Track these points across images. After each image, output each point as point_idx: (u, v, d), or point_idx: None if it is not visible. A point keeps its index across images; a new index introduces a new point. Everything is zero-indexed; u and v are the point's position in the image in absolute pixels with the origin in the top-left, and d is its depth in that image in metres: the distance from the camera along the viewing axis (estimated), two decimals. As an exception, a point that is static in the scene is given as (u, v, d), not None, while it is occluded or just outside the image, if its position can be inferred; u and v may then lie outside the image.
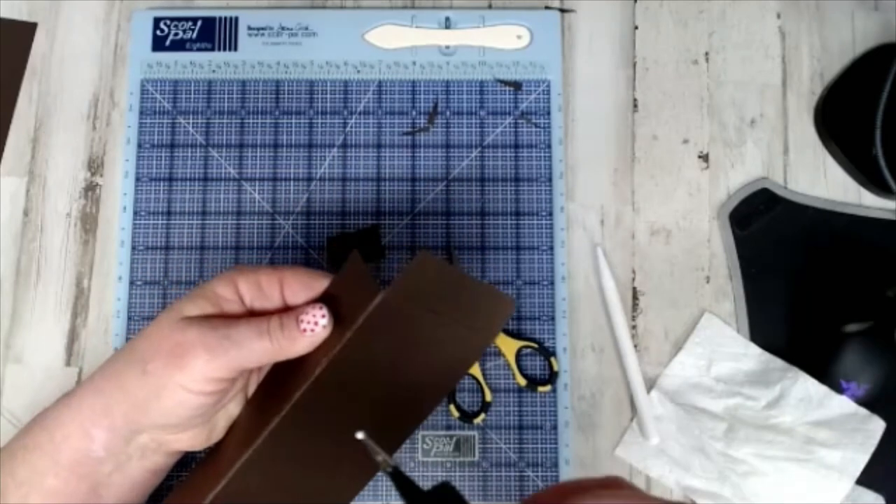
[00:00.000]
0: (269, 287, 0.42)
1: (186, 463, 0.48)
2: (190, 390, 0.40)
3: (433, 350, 0.42)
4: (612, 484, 0.32)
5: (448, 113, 0.56)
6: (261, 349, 0.40)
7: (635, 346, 0.53)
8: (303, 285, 0.42)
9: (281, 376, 0.43)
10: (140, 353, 0.41)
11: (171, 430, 0.42)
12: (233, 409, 0.44)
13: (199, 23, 0.57)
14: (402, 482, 0.36)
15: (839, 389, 0.51)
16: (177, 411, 0.41)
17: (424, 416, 0.46)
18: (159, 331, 0.41)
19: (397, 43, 0.57)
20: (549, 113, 0.55)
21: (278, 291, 0.43)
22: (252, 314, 0.42)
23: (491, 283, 0.53)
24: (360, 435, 0.37)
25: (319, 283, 0.43)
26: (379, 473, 0.51)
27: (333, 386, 0.39)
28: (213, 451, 0.44)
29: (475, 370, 0.52)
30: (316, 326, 0.40)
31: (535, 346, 0.52)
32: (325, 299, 0.42)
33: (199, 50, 0.56)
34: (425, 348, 0.42)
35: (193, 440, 0.43)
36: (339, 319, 0.41)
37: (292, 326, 0.40)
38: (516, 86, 0.56)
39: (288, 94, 0.56)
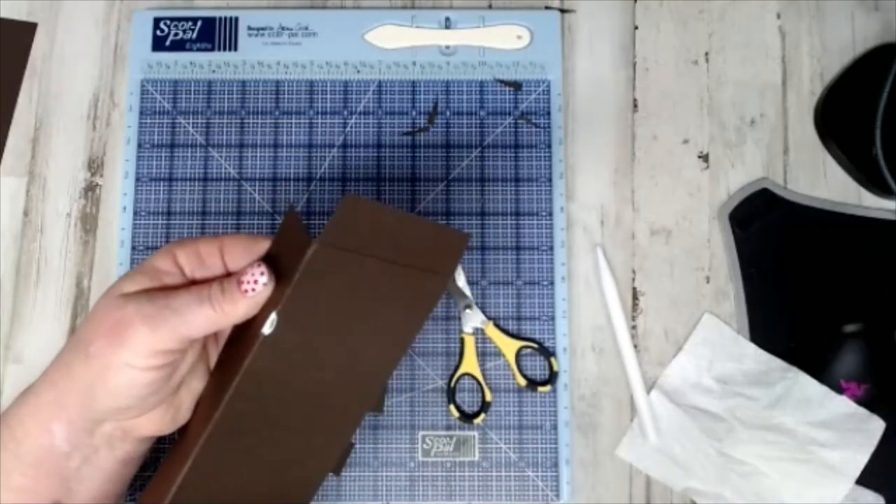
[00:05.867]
0: (209, 255, 0.41)
1: (162, 450, 0.48)
2: (135, 366, 0.39)
3: (387, 298, 0.41)
4: None
5: (448, 113, 0.55)
6: (203, 316, 0.39)
7: (635, 346, 0.53)
8: (244, 249, 0.41)
9: (236, 345, 0.42)
10: (82, 337, 0.40)
11: (128, 414, 0.41)
12: (196, 385, 0.43)
13: (199, 23, 0.57)
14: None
15: (839, 389, 0.51)
16: (126, 391, 0.39)
17: (389, 373, 0.45)
18: (99, 312, 0.40)
19: (397, 43, 0.56)
20: (549, 113, 0.55)
21: (219, 259, 0.41)
22: (194, 284, 0.41)
23: (491, 282, 0.53)
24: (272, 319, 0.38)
25: (260, 246, 0.41)
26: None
27: (287, 348, 0.38)
28: (183, 432, 0.43)
29: (475, 370, 0.52)
30: (256, 285, 0.39)
31: (535, 346, 0.52)
32: (266, 260, 0.41)
33: (199, 50, 0.56)
34: (378, 297, 0.41)
35: (158, 423, 0.42)
36: (280, 279, 0.39)
37: (233, 289, 0.39)
38: (516, 86, 0.56)
39: (288, 94, 0.56)
